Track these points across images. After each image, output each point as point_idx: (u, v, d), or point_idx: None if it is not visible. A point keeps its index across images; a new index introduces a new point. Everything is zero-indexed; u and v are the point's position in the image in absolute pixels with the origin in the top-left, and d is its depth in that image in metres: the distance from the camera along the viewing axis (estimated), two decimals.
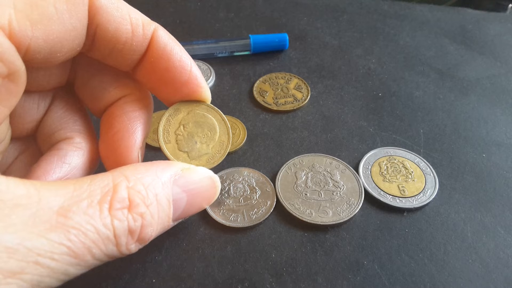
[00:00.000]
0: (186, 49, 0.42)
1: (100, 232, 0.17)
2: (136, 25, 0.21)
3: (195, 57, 0.42)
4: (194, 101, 0.25)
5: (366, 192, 0.29)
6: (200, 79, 0.24)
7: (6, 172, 0.23)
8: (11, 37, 0.16)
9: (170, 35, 0.23)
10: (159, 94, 0.24)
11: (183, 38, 0.46)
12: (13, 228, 0.14)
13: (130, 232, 0.18)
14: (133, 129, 0.23)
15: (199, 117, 0.25)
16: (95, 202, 0.17)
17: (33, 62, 0.18)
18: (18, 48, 0.17)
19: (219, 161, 0.25)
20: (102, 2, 0.20)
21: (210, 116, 0.25)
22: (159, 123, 0.24)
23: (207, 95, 0.25)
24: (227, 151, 0.25)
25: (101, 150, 0.23)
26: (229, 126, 0.25)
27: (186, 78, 0.23)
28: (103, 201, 0.17)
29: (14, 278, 0.14)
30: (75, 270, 0.16)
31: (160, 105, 0.25)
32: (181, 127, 0.24)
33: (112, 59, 0.22)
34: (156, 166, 0.20)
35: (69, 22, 0.18)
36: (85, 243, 0.16)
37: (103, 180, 0.18)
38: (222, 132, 0.25)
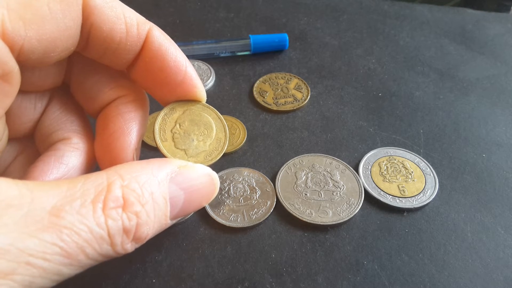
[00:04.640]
0: (186, 50, 0.42)
1: (94, 232, 0.16)
2: (131, 25, 0.21)
3: (195, 57, 0.42)
4: (190, 100, 0.25)
5: (366, 192, 0.29)
6: (195, 79, 0.24)
7: (5, 173, 0.23)
8: (4, 38, 0.16)
9: (165, 34, 0.23)
10: (155, 93, 0.24)
11: (183, 38, 0.46)
12: (4, 228, 0.14)
13: (125, 231, 0.18)
14: (129, 130, 0.23)
15: (195, 115, 0.25)
16: (88, 201, 0.17)
17: (27, 62, 0.18)
18: (12, 49, 0.17)
19: (217, 158, 0.24)
20: (96, 1, 0.19)
21: (206, 114, 0.25)
22: (155, 122, 0.24)
23: (202, 95, 0.25)
24: (225, 148, 0.25)
25: (97, 151, 0.23)
26: (225, 123, 0.25)
27: (181, 78, 0.23)
28: (96, 200, 0.17)
29: (5, 279, 0.14)
30: (68, 270, 0.16)
31: (156, 106, 0.26)
32: (177, 125, 0.24)
33: (107, 59, 0.22)
34: (152, 164, 0.20)
35: (62, 22, 0.18)
36: (78, 243, 0.16)
37: (97, 179, 0.18)
38: (219, 129, 0.25)
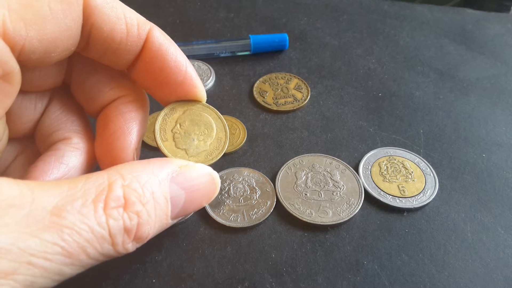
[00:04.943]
0: (186, 50, 0.42)
1: (95, 231, 0.16)
2: (131, 25, 0.21)
3: (195, 57, 0.42)
4: (190, 100, 0.25)
5: (366, 192, 0.29)
6: (196, 79, 0.24)
7: (5, 172, 0.23)
8: (5, 38, 0.16)
9: (165, 35, 0.23)
10: (155, 94, 0.24)
11: (183, 38, 0.46)
12: (5, 228, 0.14)
13: (126, 231, 0.18)
14: (129, 130, 0.23)
15: (195, 115, 0.25)
16: (90, 201, 0.17)
17: (27, 62, 0.18)
18: (12, 49, 0.17)
19: (218, 157, 0.25)
20: (97, 2, 0.19)
21: (206, 114, 0.25)
22: (155, 122, 0.24)
23: (203, 95, 0.25)
24: (226, 147, 0.25)
25: (97, 151, 0.23)
26: (225, 123, 0.25)
27: (182, 79, 0.23)
28: (97, 200, 0.17)
29: (7, 279, 0.14)
30: (70, 270, 0.16)
31: (157, 106, 0.26)
32: (178, 125, 0.24)
33: (107, 59, 0.22)
34: (153, 163, 0.20)
35: (63, 22, 0.18)
36: (79, 242, 0.16)
37: (98, 178, 0.18)
38: (219, 129, 0.25)
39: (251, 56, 0.43)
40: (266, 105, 0.37)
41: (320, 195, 0.29)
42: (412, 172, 0.31)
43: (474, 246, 0.27)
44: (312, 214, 0.28)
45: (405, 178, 0.30)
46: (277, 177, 0.30)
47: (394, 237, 0.27)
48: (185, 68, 0.23)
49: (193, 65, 0.41)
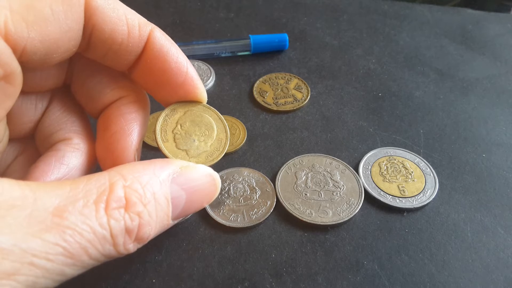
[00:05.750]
0: (186, 50, 0.42)
1: (96, 232, 0.16)
2: (133, 26, 0.21)
3: (195, 57, 0.42)
4: (191, 101, 0.25)
5: (366, 192, 0.29)
6: (197, 80, 0.24)
7: (5, 173, 0.23)
8: (7, 39, 0.16)
9: (166, 36, 0.23)
10: (156, 95, 0.24)
11: (183, 38, 0.46)
12: (7, 229, 0.14)
13: (128, 231, 0.18)
14: (130, 131, 0.23)
15: (196, 116, 0.25)
16: (91, 201, 0.17)
17: (29, 63, 0.18)
18: (14, 50, 0.17)
19: (218, 158, 0.25)
20: (98, 3, 0.20)
21: (207, 115, 0.25)
22: (156, 122, 0.24)
23: (203, 96, 0.25)
24: (226, 148, 0.25)
25: (98, 151, 0.24)
26: (226, 124, 0.25)
27: (182, 80, 0.23)
28: (99, 200, 0.17)
29: (9, 280, 0.14)
30: (71, 271, 0.16)
31: (157, 107, 0.26)
32: (179, 126, 0.24)
33: (108, 60, 0.22)
34: (154, 164, 0.20)
35: (65, 23, 0.18)
36: (81, 243, 0.16)
37: (99, 179, 0.18)
38: (220, 130, 0.25)
39: (251, 56, 0.43)
40: (266, 105, 0.37)
41: (320, 195, 0.29)
42: (412, 172, 0.31)
43: (474, 246, 0.27)
44: (312, 214, 0.28)
45: (405, 178, 0.30)
46: (277, 177, 0.30)
47: (394, 237, 0.27)
48: (186, 69, 0.23)
49: (193, 65, 0.41)
